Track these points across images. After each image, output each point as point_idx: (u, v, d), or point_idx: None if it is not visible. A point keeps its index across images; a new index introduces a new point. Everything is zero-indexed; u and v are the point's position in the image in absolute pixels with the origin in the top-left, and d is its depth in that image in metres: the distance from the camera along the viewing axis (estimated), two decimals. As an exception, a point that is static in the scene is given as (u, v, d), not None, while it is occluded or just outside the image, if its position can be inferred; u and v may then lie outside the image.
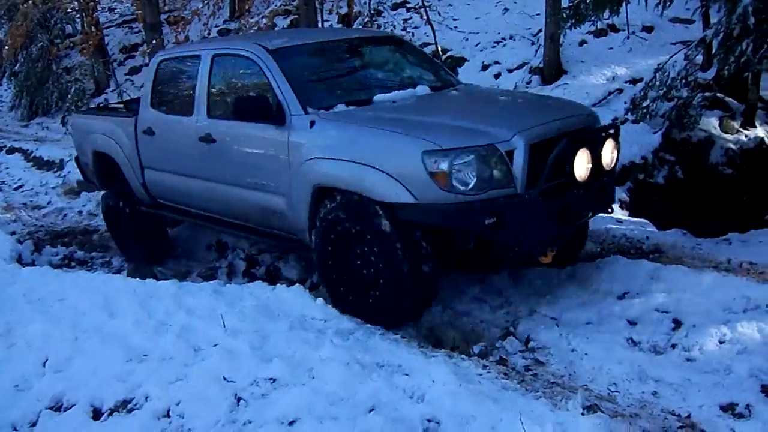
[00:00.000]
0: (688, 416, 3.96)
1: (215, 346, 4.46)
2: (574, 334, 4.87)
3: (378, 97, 5.89)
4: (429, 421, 3.59)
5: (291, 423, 3.67)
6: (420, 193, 4.81)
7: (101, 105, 10.31)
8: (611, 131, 5.53)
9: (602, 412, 3.80)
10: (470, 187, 4.75)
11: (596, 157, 5.29)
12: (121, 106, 9.32)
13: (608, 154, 5.46)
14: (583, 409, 3.75)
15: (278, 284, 5.55)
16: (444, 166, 4.72)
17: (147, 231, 8.13)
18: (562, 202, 5.02)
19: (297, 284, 5.52)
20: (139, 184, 7.71)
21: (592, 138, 5.36)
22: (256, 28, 15.46)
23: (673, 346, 4.70)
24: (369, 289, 5.24)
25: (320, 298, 5.18)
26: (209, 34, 17.46)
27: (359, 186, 5.10)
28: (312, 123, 5.52)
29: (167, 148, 7.23)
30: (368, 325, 4.89)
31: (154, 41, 14.25)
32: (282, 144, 5.68)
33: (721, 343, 4.56)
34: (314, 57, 6.61)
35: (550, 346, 4.82)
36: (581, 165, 5.13)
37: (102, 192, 8.79)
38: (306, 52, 6.56)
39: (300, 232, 5.80)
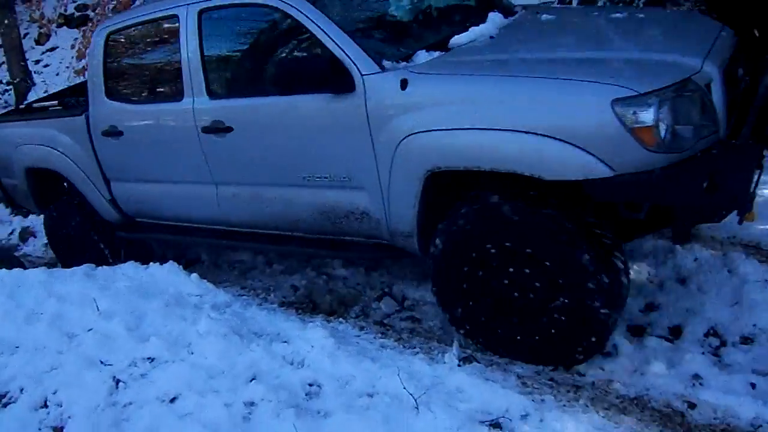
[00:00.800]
0: (560, 359, 4.13)
1: (90, 330, 4.38)
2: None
3: (456, 39, 4.38)
4: (310, 385, 3.63)
5: (172, 400, 3.66)
6: (617, 160, 3.44)
7: (23, 106, 7.62)
8: None
9: (478, 362, 3.94)
10: (681, 140, 3.47)
11: None
12: (54, 102, 7.14)
13: None
14: (460, 360, 3.88)
15: (152, 263, 5.48)
16: (647, 116, 3.39)
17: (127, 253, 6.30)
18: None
19: (171, 261, 5.44)
20: (106, 201, 6.10)
21: None
22: (115, 2, 14.97)
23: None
24: (540, 316, 3.84)
25: (195, 274, 5.13)
26: (65, 10, 16.80)
27: (517, 162, 3.66)
28: (404, 82, 4.00)
29: (147, 150, 5.57)
30: (245, 296, 4.86)
31: (6, 21, 13.63)
32: (355, 118, 4.19)
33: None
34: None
35: (425, 303, 4.92)
36: None
37: None
38: None
39: (399, 236, 4.35)
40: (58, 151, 6.17)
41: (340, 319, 4.76)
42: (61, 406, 3.85)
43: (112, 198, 6.05)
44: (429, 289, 4.94)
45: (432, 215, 4.14)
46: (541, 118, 3.55)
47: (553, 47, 4.17)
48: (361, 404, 3.40)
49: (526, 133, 3.57)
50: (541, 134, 3.53)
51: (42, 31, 16.47)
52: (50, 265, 6.75)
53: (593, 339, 3.78)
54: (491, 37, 4.44)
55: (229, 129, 4.80)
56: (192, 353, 3.99)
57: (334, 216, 4.58)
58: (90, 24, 12.44)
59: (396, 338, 4.39)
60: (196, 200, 5.37)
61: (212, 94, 4.95)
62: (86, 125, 5.86)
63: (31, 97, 12.49)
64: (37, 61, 15.72)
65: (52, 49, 14.81)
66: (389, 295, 5.11)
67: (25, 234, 8.53)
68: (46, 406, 3.90)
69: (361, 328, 4.52)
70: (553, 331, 3.80)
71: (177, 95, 5.12)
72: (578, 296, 3.66)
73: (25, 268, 5.91)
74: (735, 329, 4.02)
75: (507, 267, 3.84)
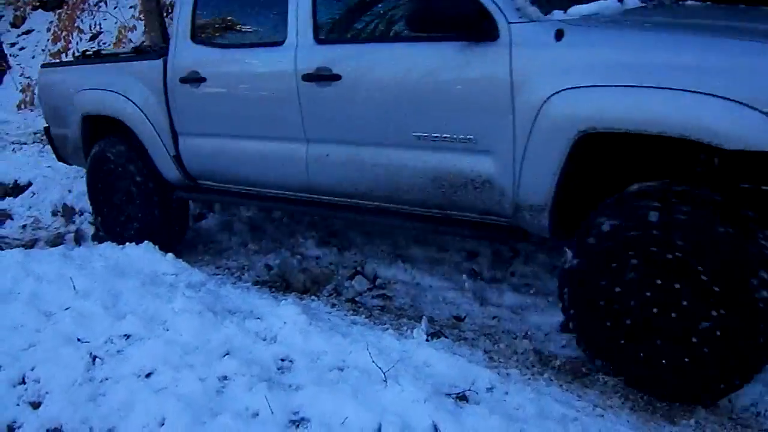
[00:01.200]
0: (525, 335, 4.25)
1: (67, 309, 4.44)
2: (418, 268, 5.10)
3: (577, 8, 3.82)
4: (282, 360, 3.71)
5: (148, 375, 3.72)
6: None
7: (87, 52, 6.89)
8: None
9: (446, 337, 4.05)
10: None
11: None
12: (127, 51, 6.86)
13: None
14: (428, 336, 3.98)
15: (127, 243, 5.54)
16: None
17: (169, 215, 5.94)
18: None
19: (146, 242, 5.51)
20: (170, 157, 5.56)
21: None
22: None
23: (512, 273, 4.99)
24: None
25: (170, 253, 5.21)
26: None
27: (692, 127, 3.14)
28: (559, 33, 3.51)
29: (229, 99, 5.04)
30: (220, 275, 4.92)
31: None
32: (495, 70, 3.67)
33: (554, 268, 4.87)
34: None
35: (396, 281, 5.04)
36: None
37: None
38: None
39: (527, 210, 3.75)
40: (125, 96, 5.67)
41: (313, 297, 4.87)
42: (39, 382, 3.88)
43: (177, 154, 5.54)
44: (400, 268, 5.08)
45: (570, 189, 3.66)
46: (722, 79, 3.09)
47: (708, 19, 3.80)
48: (331, 378, 3.48)
49: (704, 94, 3.11)
50: (720, 96, 3.07)
51: (18, 13, 16.34)
52: (27, 246, 6.79)
53: (750, 366, 3.25)
54: (639, 8, 4.06)
55: (336, 77, 4.32)
56: (167, 330, 4.06)
57: (447, 184, 4.03)
58: (66, 7, 12.31)
59: (367, 315, 4.51)
60: (280, 160, 4.83)
61: (320, 38, 4.48)
62: (163, 71, 5.40)
63: (7, 80, 12.42)
64: (13, 44, 15.62)
65: (28, 32, 14.73)
66: (361, 274, 5.20)
67: (1, 216, 8.52)
68: (24, 382, 3.94)
69: (333, 306, 4.62)
70: (705, 350, 3.25)
71: (278, 39, 4.66)
72: (744, 312, 3.13)
73: (1, 249, 5.94)
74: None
75: (658, 276, 3.34)
